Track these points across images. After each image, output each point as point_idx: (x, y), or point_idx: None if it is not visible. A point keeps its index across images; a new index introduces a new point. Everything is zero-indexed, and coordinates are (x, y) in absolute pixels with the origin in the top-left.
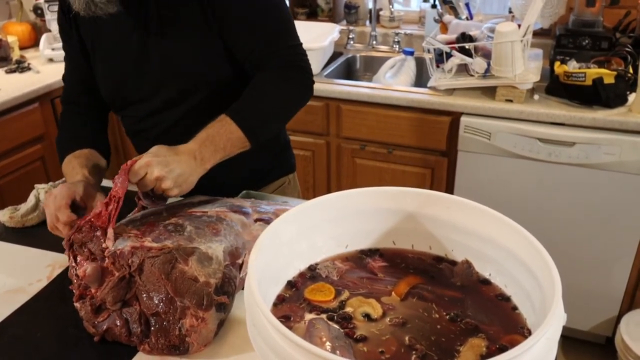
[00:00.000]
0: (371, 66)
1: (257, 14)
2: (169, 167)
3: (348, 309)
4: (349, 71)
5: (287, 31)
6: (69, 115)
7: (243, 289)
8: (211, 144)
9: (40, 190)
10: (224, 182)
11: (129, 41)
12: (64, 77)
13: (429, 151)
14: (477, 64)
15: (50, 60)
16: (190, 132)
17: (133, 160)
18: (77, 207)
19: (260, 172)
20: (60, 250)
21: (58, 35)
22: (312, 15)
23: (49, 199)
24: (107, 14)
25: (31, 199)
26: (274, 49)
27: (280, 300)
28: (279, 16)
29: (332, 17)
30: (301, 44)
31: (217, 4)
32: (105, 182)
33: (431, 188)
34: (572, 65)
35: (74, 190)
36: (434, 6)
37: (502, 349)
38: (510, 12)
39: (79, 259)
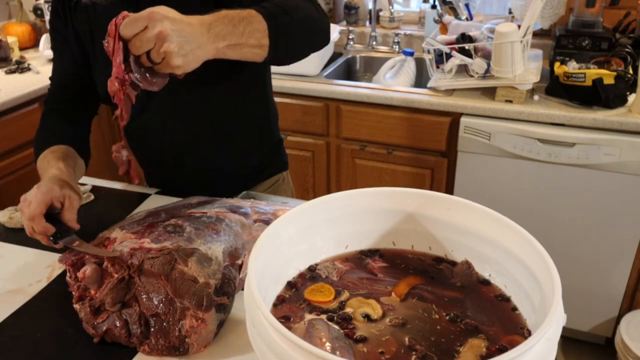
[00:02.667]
0: (371, 67)
1: None
2: (176, 25)
3: (348, 310)
4: (348, 72)
5: None
6: (51, 114)
7: (243, 289)
8: (230, 22)
9: None
10: (217, 178)
11: None
12: (51, 79)
13: (429, 152)
14: (477, 64)
15: (51, 60)
16: (193, 123)
17: (125, 13)
18: (53, 211)
19: (253, 169)
20: (60, 251)
21: None
22: None
23: (23, 206)
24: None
25: None
26: None
27: (280, 301)
28: None
29: (332, 18)
30: None
31: None
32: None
33: (431, 189)
34: (572, 66)
35: (49, 195)
36: (433, 7)
37: (502, 350)
38: (510, 12)
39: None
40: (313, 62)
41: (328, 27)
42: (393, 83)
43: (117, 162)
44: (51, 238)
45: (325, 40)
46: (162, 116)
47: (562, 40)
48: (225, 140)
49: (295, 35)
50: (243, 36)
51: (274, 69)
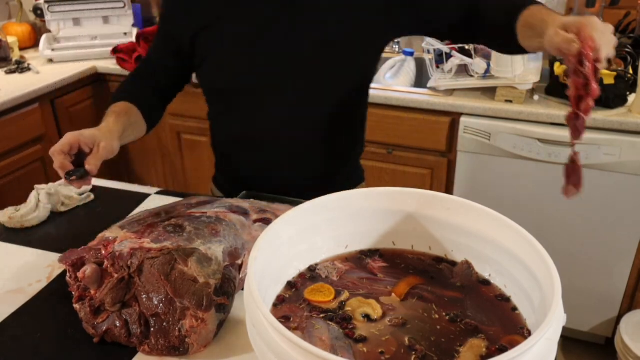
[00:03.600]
0: None
1: None
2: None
3: (348, 310)
4: None
5: None
6: (140, 75)
7: (243, 289)
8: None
9: (40, 191)
10: (293, 182)
11: (272, 23)
12: (148, 53)
13: (429, 152)
14: (477, 64)
15: (50, 60)
16: (312, 135)
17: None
18: (82, 154)
19: (340, 177)
20: (60, 250)
21: (58, 36)
22: None
23: (57, 147)
24: None
25: (31, 200)
26: None
27: (280, 301)
28: None
29: None
30: None
31: None
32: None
33: (431, 188)
34: None
35: (77, 138)
36: None
37: (502, 350)
38: None
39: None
40: None
41: None
42: (393, 83)
43: None
44: (66, 175)
45: None
46: (277, 127)
47: None
48: (327, 149)
49: None
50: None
51: None
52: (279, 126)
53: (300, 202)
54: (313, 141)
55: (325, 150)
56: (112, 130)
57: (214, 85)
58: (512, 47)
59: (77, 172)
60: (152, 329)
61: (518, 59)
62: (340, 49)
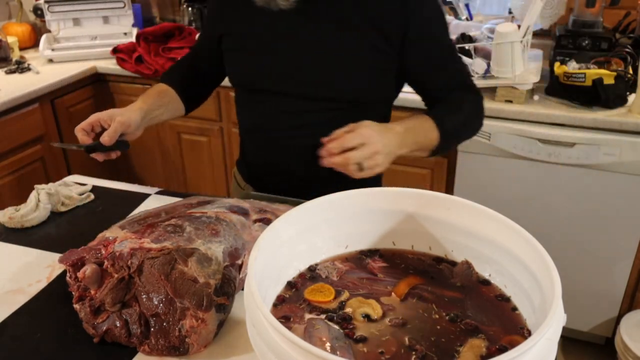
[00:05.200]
0: None
1: (446, 56)
2: (384, 139)
3: (348, 310)
4: None
5: (461, 62)
6: (188, 60)
7: (243, 289)
8: (414, 134)
9: (40, 190)
10: (299, 181)
11: (298, 33)
12: (196, 41)
13: None
14: (477, 64)
15: (50, 60)
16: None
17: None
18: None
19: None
20: (60, 250)
21: (58, 36)
22: None
23: (84, 123)
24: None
25: (31, 200)
26: (457, 80)
27: (280, 301)
28: (457, 52)
29: None
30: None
31: (416, 25)
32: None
33: (431, 189)
34: (572, 66)
35: (97, 115)
36: None
37: (502, 350)
38: (510, 12)
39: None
40: None
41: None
42: None
43: None
44: (85, 150)
45: (483, 119)
46: (283, 127)
47: (562, 40)
48: None
49: (460, 139)
50: (418, 145)
51: None
52: (286, 127)
53: (301, 202)
54: (313, 145)
55: None
56: (134, 108)
57: (231, 80)
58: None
59: (91, 145)
60: (152, 329)
61: (518, 59)
62: (340, 60)
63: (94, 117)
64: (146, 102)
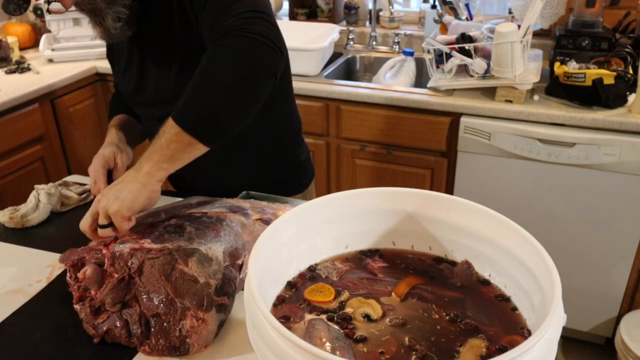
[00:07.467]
0: (371, 67)
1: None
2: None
3: (348, 310)
4: (348, 72)
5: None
6: (116, 95)
7: (243, 289)
8: (150, 150)
9: (40, 190)
10: (230, 189)
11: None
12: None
13: (429, 152)
14: (477, 64)
15: (50, 60)
16: None
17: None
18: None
19: (276, 184)
20: (60, 250)
21: (58, 36)
22: (312, 15)
23: (90, 170)
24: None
25: (31, 200)
26: (221, 20)
27: (280, 301)
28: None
29: (331, 18)
30: (262, 10)
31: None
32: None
33: (431, 189)
34: (572, 66)
35: (102, 160)
36: (434, 7)
37: (502, 350)
38: (510, 12)
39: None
40: (313, 62)
41: (267, 49)
42: (393, 83)
43: None
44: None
45: (268, 83)
46: None
47: (562, 40)
48: (249, 153)
49: (225, 113)
50: (176, 156)
51: None
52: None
53: (301, 202)
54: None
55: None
56: (121, 139)
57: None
58: None
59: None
60: (152, 329)
61: (518, 59)
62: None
63: (102, 162)
64: (121, 132)
